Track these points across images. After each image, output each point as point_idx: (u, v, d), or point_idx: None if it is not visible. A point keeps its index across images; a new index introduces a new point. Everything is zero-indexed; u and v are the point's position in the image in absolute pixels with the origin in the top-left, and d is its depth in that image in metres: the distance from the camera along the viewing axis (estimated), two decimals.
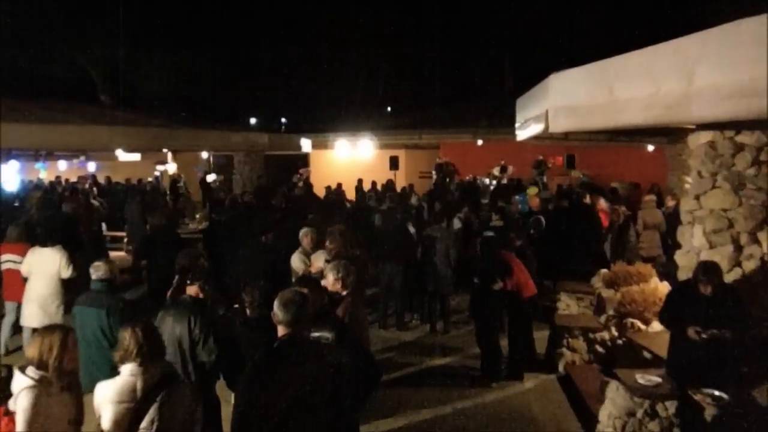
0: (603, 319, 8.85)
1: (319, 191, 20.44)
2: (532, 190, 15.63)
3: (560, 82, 6.29)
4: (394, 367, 9.42)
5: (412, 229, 11.85)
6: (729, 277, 6.85)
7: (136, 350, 4.36)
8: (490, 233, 10.61)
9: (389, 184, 21.63)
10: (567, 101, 6.74)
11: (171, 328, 5.53)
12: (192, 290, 5.81)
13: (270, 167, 24.28)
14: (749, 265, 6.95)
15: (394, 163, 26.15)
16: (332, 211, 14.97)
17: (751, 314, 6.25)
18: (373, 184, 22.23)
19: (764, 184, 7.08)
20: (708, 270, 6.06)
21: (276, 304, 4.37)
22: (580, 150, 24.15)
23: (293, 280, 8.45)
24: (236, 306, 6.52)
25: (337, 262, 6.28)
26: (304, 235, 8.77)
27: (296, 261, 8.63)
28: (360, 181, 21.91)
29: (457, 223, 13.20)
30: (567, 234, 11.86)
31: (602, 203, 12.43)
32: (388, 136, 29.09)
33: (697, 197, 7.59)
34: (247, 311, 5.91)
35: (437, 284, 11.13)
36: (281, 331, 4.32)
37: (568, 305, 10.04)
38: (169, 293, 6.16)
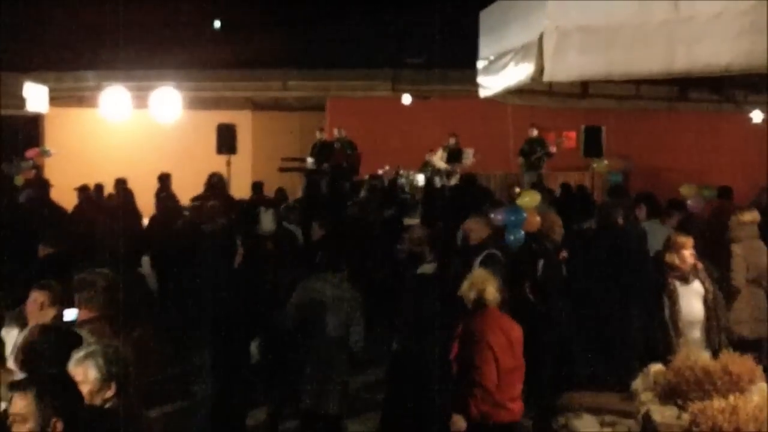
0: None
1: (66, 195, 20.03)
2: (529, 198, 15.79)
3: None
4: None
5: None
6: None
7: None
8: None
9: (214, 184, 21.48)
10: (585, 18, 6.84)
11: None
12: None
13: None
14: None
15: (226, 140, 25.95)
16: (91, 239, 14.69)
17: None
18: (210, 179, 22.07)
19: None
20: None
21: None
22: (612, 119, 24.72)
23: None
24: None
25: (98, 349, 6.23)
26: None
27: None
28: (164, 178, 21.62)
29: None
30: (587, 293, 12.01)
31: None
32: (215, 84, 28.94)
33: None
34: None
35: (321, 398, 11.12)
36: None
37: None
38: None
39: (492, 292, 9.46)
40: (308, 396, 11.02)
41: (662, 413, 9.28)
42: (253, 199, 20.70)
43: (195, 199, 19.43)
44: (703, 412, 8.35)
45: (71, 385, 5.75)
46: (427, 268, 11.67)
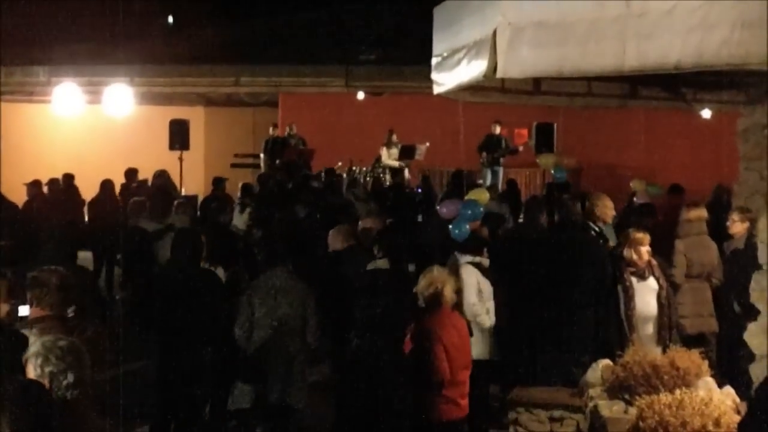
0: None
1: (15, 190, 19.92)
2: (477, 196, 15.87)
3: None
4: None
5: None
6: None
7: None
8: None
9: (159, 180, 21.42)
10: (538, 14, 6.88)
11: None
12: None
13: None
14: None
15: (178, 136, 25.91)
16: (38, 233, 14.68)
17: None
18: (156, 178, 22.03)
19: None
20: None
21: None
22: (564, 116, 24.84)
23: None
24: None
25: (49, 341, 6.17)
26: None
27: None
28: (131, 174, 21.58)
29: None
30: (538, 289, 12.07)
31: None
32: (167, 80, 28.81)
33: None
34: None
35: (285, 392, 11.24)
36: None
37: None
38: None
39: (450, 291, 9.50)
40: (273, 390, 11.15)
41: (610, 408, 9.35)
42: (214, 195, 20.64)
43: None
44: (650, 407, 8.42)
45: (40, 390, 5.71)
46: (380, 263, 11.75)
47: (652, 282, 11.41)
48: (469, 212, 14.05)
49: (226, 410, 12.23)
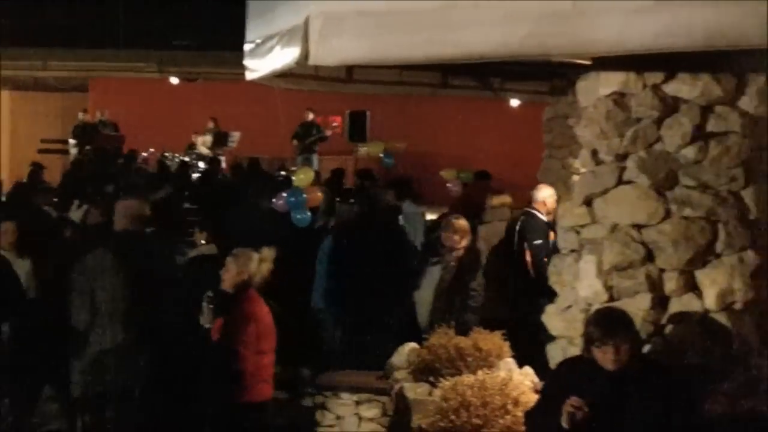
0: None
1: None
2: (303, 176, 16.05)
3: None
4: None
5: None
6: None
7: None
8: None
9: None
10: (352, 3, 7.01)
11: None
12: None
13: None
14: (680, 330, 7.58)
15: None
16: None
17: (694, 404, 6.89)
18: None
19: (713, 178, 7.64)
20: (611, 324, 6.51)
21: None
22: (379, 104, 25.14)
23: None
24: None
25: None
26: None
27: None
28: None
29: None
30: (353, 275, 12.34)
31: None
32: None
33: (588, 201, 8.17)
34: None
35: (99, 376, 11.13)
36: None
37: (339, 418, 10.39)
38: None
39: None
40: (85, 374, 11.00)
41: (415, 390, 9.57)
42: (31, 181, 20.28)
43: None
44: (453, 388, 8.69)
45: None
46: (205, 248, 11.82)
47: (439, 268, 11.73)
48: (293, 200, 14.32)
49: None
